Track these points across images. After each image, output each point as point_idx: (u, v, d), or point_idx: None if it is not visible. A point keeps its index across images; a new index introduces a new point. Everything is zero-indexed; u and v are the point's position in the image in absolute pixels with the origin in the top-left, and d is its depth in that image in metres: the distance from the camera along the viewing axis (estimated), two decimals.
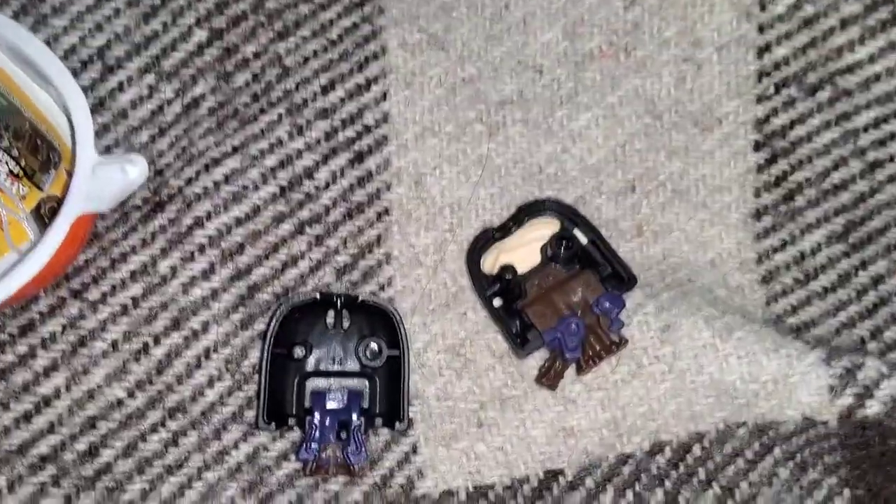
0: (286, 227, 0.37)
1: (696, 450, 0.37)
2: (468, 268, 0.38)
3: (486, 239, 0.38)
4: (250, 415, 0.35)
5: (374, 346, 0.35)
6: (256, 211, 0.37)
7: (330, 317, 0.36)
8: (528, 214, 0.38)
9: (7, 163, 0.35)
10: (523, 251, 0.37)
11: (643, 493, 0.36)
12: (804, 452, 0.36)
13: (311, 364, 0.36)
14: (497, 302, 0.37)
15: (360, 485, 0.35)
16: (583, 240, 0.38)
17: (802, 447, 0.36)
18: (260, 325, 0.36)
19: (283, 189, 0.38)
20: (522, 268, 0.37)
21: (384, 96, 0.39)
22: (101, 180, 0.32)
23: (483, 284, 0.37)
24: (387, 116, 0.39)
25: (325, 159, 0.38)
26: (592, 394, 0.37)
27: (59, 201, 0.35)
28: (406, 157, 0.39)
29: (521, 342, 0.36)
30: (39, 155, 0.35)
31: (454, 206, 0.39)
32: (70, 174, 0.35)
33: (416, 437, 0.36)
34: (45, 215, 0.35)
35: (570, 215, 0.38)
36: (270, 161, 0.38)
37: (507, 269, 0.36)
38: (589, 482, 0.36)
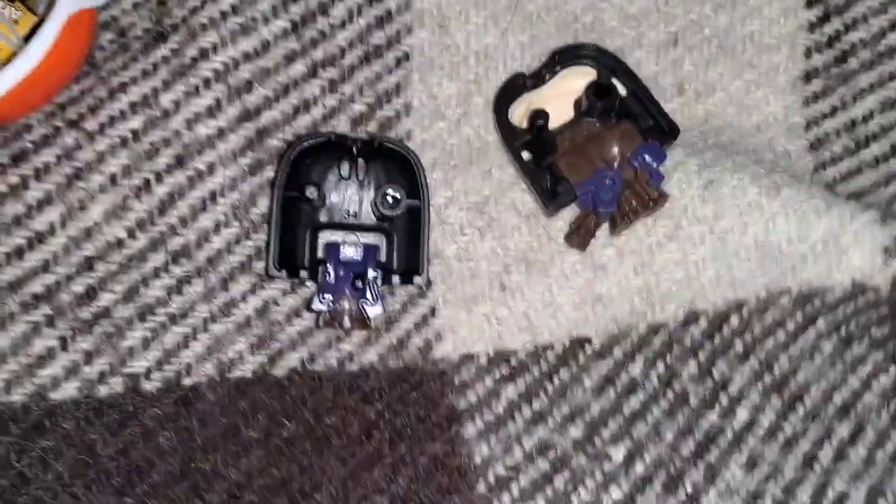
0: (298, 67, 0.35)
1: (734, 320, 0.35)
2: (495, 116, 0.35)
3: (517, 87, 0.35)
4: (259, 266, 0.34)
5: (393, 193, 0.33)
6: (266, 46, 0.35)
7: (345, 166, 0.34)
8: (562, 62, 0.35)
9: None
10: (556, 103, 0.35)
11: (675, 364, 0.34)
12: (850, 324, 0.34)
13: (323, 215, 0.34)
14: (526, 155, 0.35)
15: (374, 344, 0.34)
16: (622, 90, 0.35)
17: (849, 318, 0.34)
18: (269, 173, 0.34)
19: (294, 24, 0.35)
20: (555, 121, 0.34)
21: None
22: None
23: (511, 134, 0.34)
24: None
25: None
26: (625, 258, 0.35)
27: None
28: None
29: (550, 196, 0.34)
30: None
31: (480, 55, 0.36)
32: None
33: (435, 299, 0.34)
34: None
35: (609, 63, 0.35)
36: None
37: (539, 114, 0.34)
38: (617, 352, 0.34)
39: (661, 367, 0.34)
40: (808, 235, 0.34)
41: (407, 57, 0.35)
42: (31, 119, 0.33)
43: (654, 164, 0.33)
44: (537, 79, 0.35)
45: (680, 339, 0.34)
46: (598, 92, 0.34)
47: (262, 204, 0.34)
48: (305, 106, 0.35)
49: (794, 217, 0.34)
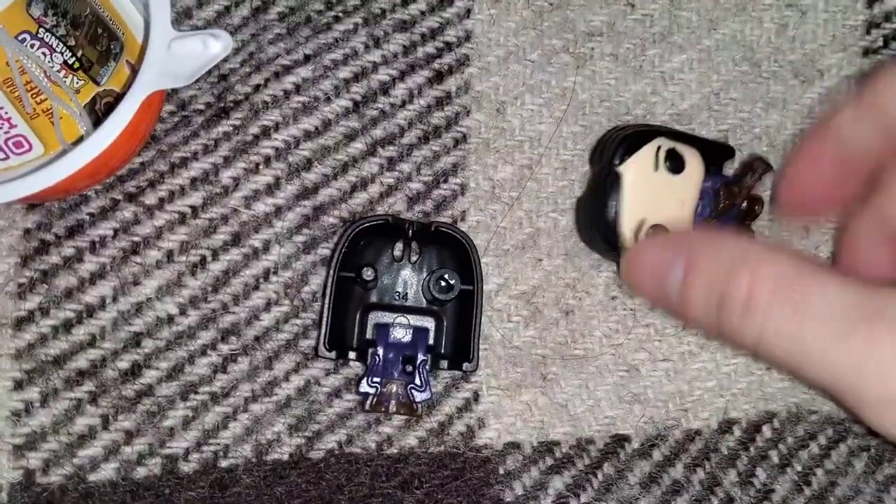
0: (357, 145, 0.33)
1: (767, 431, 0.34)
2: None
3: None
4: (305, 344, 0.32)
5: (447, 278, 0.32)
6: (327, 125, 0.33)
7: (398, 248, 0.33)
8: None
9: (62, 53, 0.32)
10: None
11: (716, 471, 0.33)
12: (879, 447, 0.34)
13: (374, 296, 0.33)
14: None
15: (415, 429, 0.32)
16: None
17: (878, 442, 0.33)
18: (323, 251, 0.33)
19: (356, 104, 0.34)
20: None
21: (468, 13, 0.35)
22: (178, 56, 0.28)
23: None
24: (469, 35, 0.35)
25: (403, 75, 0.34)
26: (658, 364, 0.34)
27: (117, 96, 0.32)
28: (487, 82, 0.35)
29: None
30: (99, 45, 0.32)
31: (534, 141, 0.35)
32: (133, 66, 0.32)
33: (479, 384, 0.33)
34: (99, 111, 0.32)
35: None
36: (344, 73, 0.33)
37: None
38: (657, 454, 0.33)
39: (701, 472, 0.33)
40: None
41: (465, 138, 0.34)
42: (90, 190, 0.31)
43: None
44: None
45: (717, 447, 0.33)
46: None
47: (314, 282, 0.32)
48: (363, 183, 0.33)
49: None
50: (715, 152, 0.33)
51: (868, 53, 0.37)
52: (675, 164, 0.32)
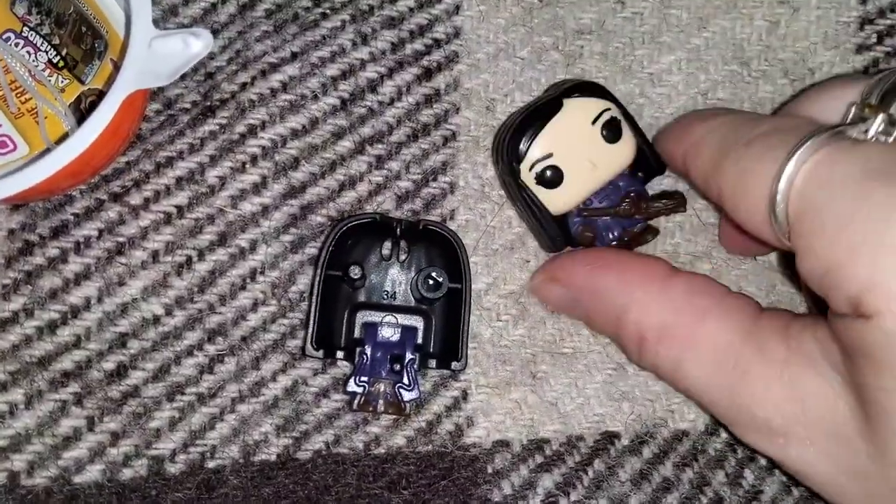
0: (345, 143, 0.33)
1: None
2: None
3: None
4: (292, 344, 0.32)
5: (436, 276, 0.31)
6: (314, 123, 0.33)
7: (386, 247, 0.33)
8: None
9: (47, 52, 0.32)
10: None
11: (705, 471, 0.33)
12: None
13: (362, 295, 0.32)
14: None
15: (403, 428, 0.32)
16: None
17: None
18: (311, 250, 0.32)
19: (344, 101, 0.33)
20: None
21: (457, 9, 0.35)
22: (158, 54, 0.28)
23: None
24: (458, 31, 0.35)
25: (391, 73, 0.34)
26: None
27: (102, 94, 0.31)
28: (477, 79, 0.35)
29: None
30: (83, 44, 0.32)
31: None
32: (116, 65, 0.31)
33: (468, 383, 0.33)
34: (85, 110, 0.31)
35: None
36: (332, 70, 0.33)
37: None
38: (646, 451, 0.33)
39: (690, 472, 0.33)
40: None
41: (454, 136, 0.34)
42: (75, 191, 0.31)
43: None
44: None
45: (704, 448, 0.33)
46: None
47: (301, 282, 0.32)
48: (351, 182, 0.33)
49: None
50: (649, 162, 0.32)
51: (861, 50, 0.37)
52: (611, 135, 0.31)
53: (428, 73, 0.34)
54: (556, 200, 0.31)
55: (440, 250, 0.32)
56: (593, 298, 0.30)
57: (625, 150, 0.32)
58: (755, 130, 0.26)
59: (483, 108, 0.34)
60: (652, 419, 0.33)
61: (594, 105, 0.31)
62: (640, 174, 0.32)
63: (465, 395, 0.33)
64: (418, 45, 0.34)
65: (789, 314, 0.27)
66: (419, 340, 0.32)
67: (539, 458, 0.32)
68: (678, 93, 0.36)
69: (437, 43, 0.34)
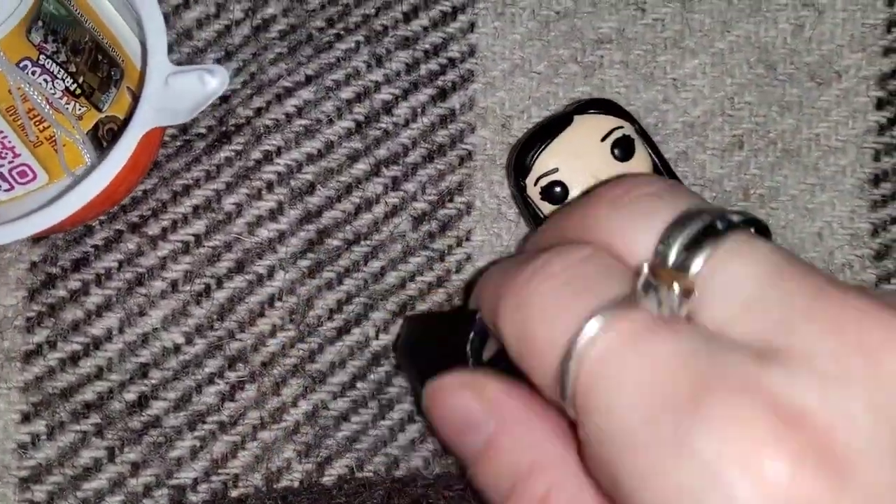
0: (361, 166, 0.33)
1: None
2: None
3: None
4: (312, 368, 0.32)
5: None
6: (329, 147, 0.33)
7: None
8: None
9: (64, 79, 0.32)
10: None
11: None
12: None
13: None
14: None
15: (419, 451, 0.32)
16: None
17: None
18: (328, 274, 0.33)
19: (359, 124, 0.33)
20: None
21: (472, 27, 0.34)
22: (176, 91, 0.28)
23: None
24: (473, 49, 0.34)
25: (406, 94, 0.34)
26: None
27: (119, 123, 0.32)
28: (493, 98, 0.34)
29: None
30: (99, 72, 0.32)
31: None
32: (133, 93, 0.32)
33: None
34: (102, 137, 0.32)
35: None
36: (346, 93, 0.33)
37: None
38: None
39: None
40: None
41: (470, 156, 0.34)
42: (93, 221, 0.31)
43: None
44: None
45: None
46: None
47: (319, 306, 0.32)
48: (367, 204, 0.33)
49: None
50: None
51: (889, 53, 0.36)
52: (623, 153, 0.31)
53: (443, 94, 0.34)
54: None
55: None
56: (508, 431, 0.23)
57: (637, 169, 0.31)
58: (531, 268, 0.21)
59: (499, 126, 0.34)
60: None
61: (605, 122, 0.31)
62: None
63: None
64: (433, 64, 0.34)
65: None
66: None
67: None
68: (703, 97, 0.35)
69: (452, 62, 0.34)
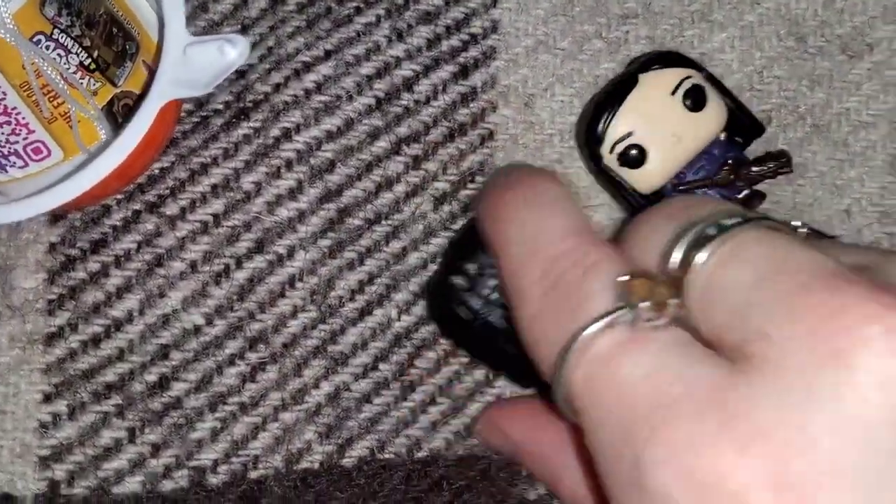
0: (381, 144, 0.33)
1: None
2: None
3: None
4: (334, 349, 0.32)
5: None
6: (349, 124, 0.32)
7: None
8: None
9: (78, 54, 0.31)
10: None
11: None
12: None
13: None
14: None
15: (441, 431, 0.32)
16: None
17: None
18: (349, 254, 0.32)
19: (379, 101, 0.33)
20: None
21: (494, 2, 0.33)
22: (194, 63, 0.27)
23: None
24: (496, 25, 0.34)
25: (427, 70, 0.33)
26: None
27: (135, 98, 0.31)
28: (515, 75, 0.34)
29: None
30: (114, 46, 0.31)
31: (564, 134, 0.34)
32: (149, 66, 0.31)
33: (502, 390, 0.33)
34: (118, 113, 0.31)
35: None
36: (366, 69, 0.33)
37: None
38: None
39: None
40: None
41: (492, 135, 0.33)
42: (111, 200, 0.31)
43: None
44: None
45: None
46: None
47: (340, 287, 0.32)
48: (388, 183, 0.32)
49: None
50: (746, 124, 0.32)
51: None
52: (695, 103, 0.30)
53: (464, 71, 0.33)
54: (645, 179, 0.31)
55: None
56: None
57: (713, 117, 0.31)
58: (558, 265, 0.21)
59: (522, 104, 0.34)
60: None
61: (672, 75, 0.30)
62: (737, 139, 0.32)
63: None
64: (454, 40, 0.33)
65: None
66: None
67: None
68: (732, 71, 0.35)
69: (474, 38, 0.33)
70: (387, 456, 0.32)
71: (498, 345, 0.27)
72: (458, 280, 0.27)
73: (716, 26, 0.34)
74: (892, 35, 0.35)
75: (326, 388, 0.32)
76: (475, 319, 0.27)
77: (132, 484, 0.30)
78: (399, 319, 0.33)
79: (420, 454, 0.32)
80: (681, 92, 0.30)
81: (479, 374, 0.33)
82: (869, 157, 0.35)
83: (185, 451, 0.31)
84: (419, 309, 0.33)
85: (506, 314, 0.27)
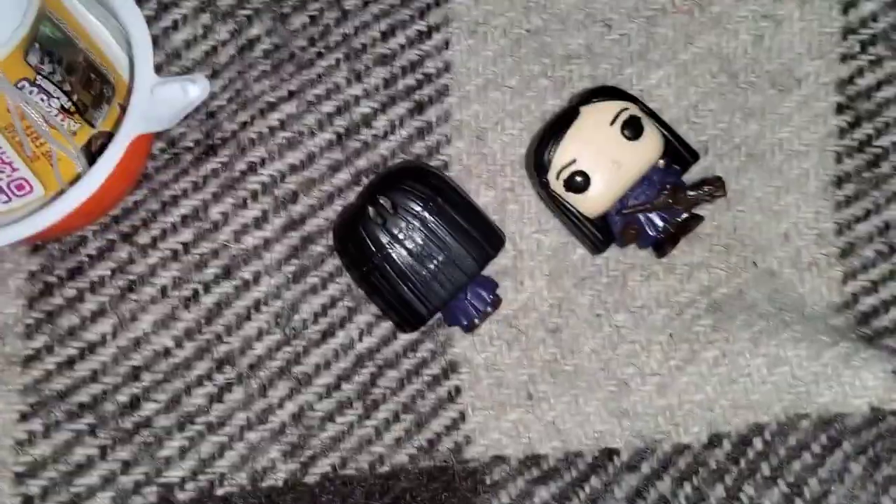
0: (342, 176, 0.35)
1: (757, 443, 0.34)
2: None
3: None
4: (298, 370, 0.34)
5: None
6: (312, 158, 0.35)
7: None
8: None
9: (59, 98, 0.33)
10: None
11: (702, 487, 0.34)
12: (876, 446, 0.34)
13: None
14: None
15: (404, 448, 0.34)
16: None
17: (873, 441, 0.34)
18: (312, 279, 0.34)
19: (339, 136, 0.35)
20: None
21: (446, 44, 0.36)
22: (160, 100, 0.30)
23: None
24: (449, 66, 0.36)
25: (384, 107, 0.35)
26: (646, 378, 0.35)
27: (111, 137, 0.33)
28: (468, 110, 0.36)
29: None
30: (92, 90, 0.34)
31: (515, 165, 0.36)
32: (124, 109, 0.33)
33: (465, 405, 0.34)
34: (95, 151, 0.33)
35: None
36: (327, 107, 0.35)
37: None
38: (645, 467, 0.34)
39: (688, 487, 0.34)
40: (818, 357, 0.34)
41: (446, 166, 0.35)
42: (87, 231, 0.33)
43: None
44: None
45: (705, 461, 0.34)
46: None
47: (304, 310, 0.34)
48: None
49: (804, 342, 0.34)
50: (682, 152, 0.34)
51: (846, 59, 0.37)
52: (633, 132, 0.33)
53: (420, 107, 0.36)
54: (589, 203, 0.33)
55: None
56: None
57: (650, 145, 0.33)
58: None
59: (474, 137, 0.36)
60: (653, 434, 0.34)
61: (611, 107, 0.33)
62: (675, 166, 0.34)
63: (462, 417, 0.34)
64: (410, 80, 0.36)
65: None
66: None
67: (536, 472, 0.34)
68: (669, 105, 0.37)
69: (428, 77, 0.36)
70: (349, 472, 0.33)
71: (391, 283, 0.31)
72: (372, 211, 0.31)
73: (652, 65, 0.37)
74: (817, 69, 0.37)
75: (291, 407, 0.33)
76: (377, 252, 0.29)
77: (103, 500, 0.32)
78: (361, 340, 0.34)
79: (383, 469, 0.33)
80: (619, 122, 0.33)
81: (443, 391, 0.34)
82: (803, 184, 0.37)
83: (154, 468, 0.32)
84: (381, 330, 0.34)
85: (408, 255, 0.31)
